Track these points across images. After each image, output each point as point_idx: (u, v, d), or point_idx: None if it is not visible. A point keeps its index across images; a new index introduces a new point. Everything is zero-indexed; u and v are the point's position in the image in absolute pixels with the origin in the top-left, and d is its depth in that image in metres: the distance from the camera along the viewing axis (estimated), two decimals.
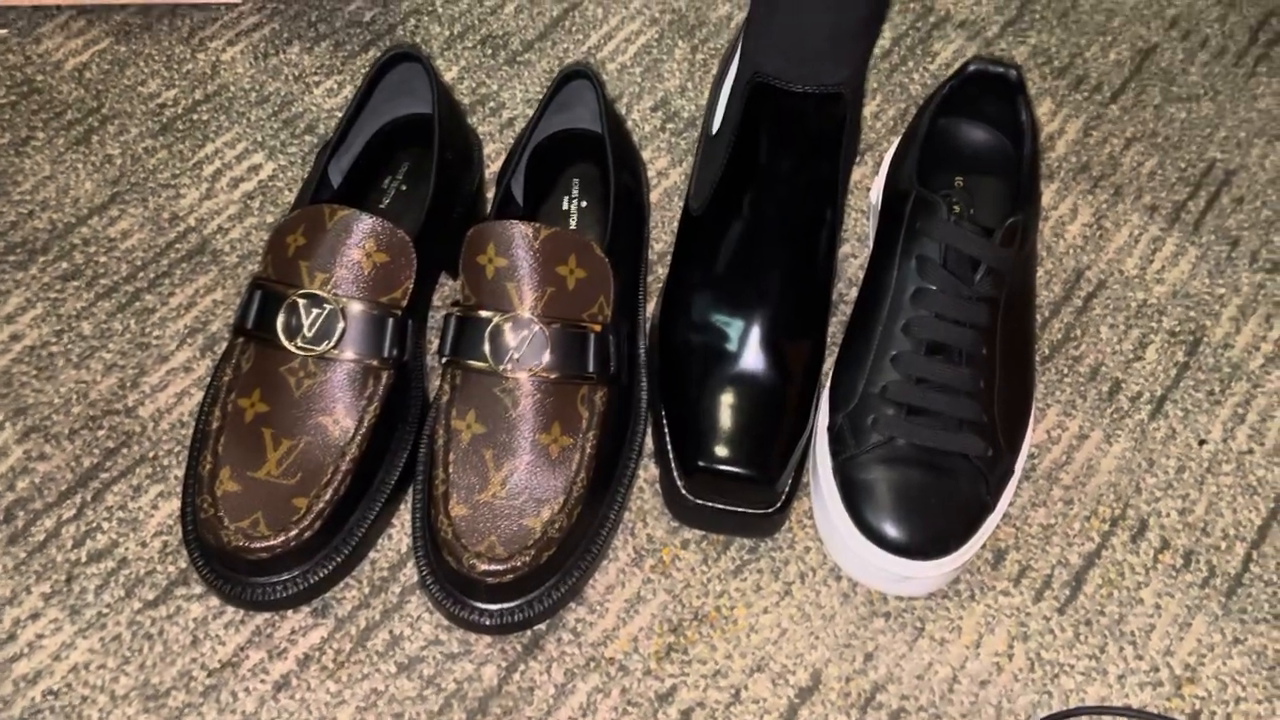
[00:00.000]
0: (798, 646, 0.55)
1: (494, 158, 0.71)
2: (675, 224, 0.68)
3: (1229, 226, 0.71)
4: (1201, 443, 0.62)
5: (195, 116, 0.72)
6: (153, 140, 0.71)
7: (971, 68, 0.62)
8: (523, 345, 0.53)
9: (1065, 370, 0.65)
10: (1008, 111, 0.63)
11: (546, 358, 0.53)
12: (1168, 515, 0.60)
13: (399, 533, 0.57)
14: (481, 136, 0.72)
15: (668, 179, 0.71)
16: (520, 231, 0.53)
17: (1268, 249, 0.70)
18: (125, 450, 0.59)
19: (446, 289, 0.65)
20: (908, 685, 0.54)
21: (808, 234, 0.56)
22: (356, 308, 0.53)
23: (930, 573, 0.54)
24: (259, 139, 0.71)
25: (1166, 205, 0.71)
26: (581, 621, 0.55)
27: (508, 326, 0.53)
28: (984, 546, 0.58)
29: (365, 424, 0.53)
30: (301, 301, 0.53)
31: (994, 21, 0.80)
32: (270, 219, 0.68)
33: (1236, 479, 0.61)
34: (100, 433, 0.59)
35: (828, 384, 0.59)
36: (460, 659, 0.54)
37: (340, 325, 0.53)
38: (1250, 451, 0.62)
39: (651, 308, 0.64)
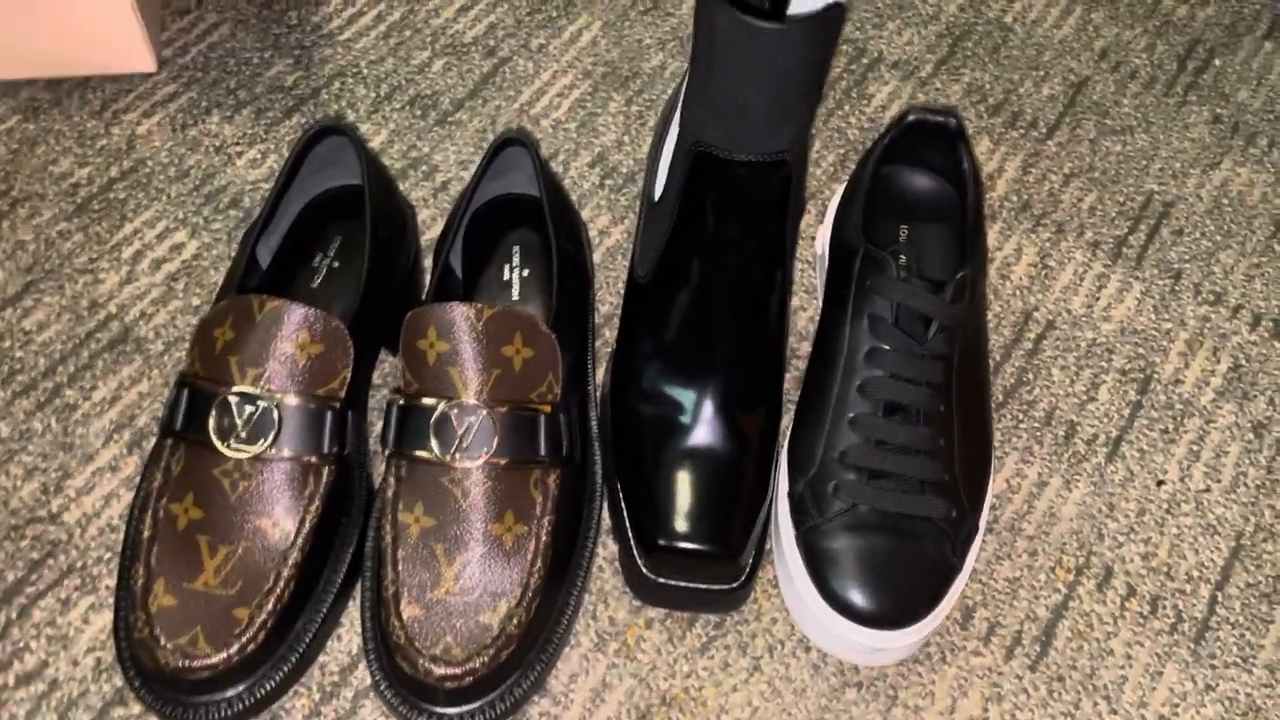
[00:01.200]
0: None
1: (429, 223, 0.69)
2: (620, 285, 0.67)
3: (1170, 259, 0.71)
4: (1159, 483, 0.62)
5: (112, 195, 0.69)
6: (67, 223, 0.67)
7: (910, 118, 0.61)
8: (470, 433, 0.51)
9: (1020, 415, 0.64)
10: (949, 159, 0.62)
11: (495, 444, 0.51)
12: (1131, 560, 0.59)
13: (348, 632, 0.54)
14: (415, 202, 0.70)
15: (609, 238, 0.69)
16: (462, 313, 0.51)
17: (1209, 281, 0.70)
18: (51, 561, 0.56)
19: (387, 365, 0.63)
20: None
21: (758, 298, 0.55)
22: (292, 403, 0.51)
23: (901, 642, 0.52)
24: (180, 216, 0.68)
25: (1108, 240, 0.71)
26: (546, 715, 0.53)
27: (454, 414, 0.51)
28: (952, 606, 0.57)
29: (307, 524, 0.51)
30: (233, 399, 0.50)
31: (927, 61, 0.79)
32: (196, 301, 0.65)
33: (1196, 519, 0.61)
34: (23, 543, 0.56)
35: (785, 444, 0.58)
36: None
37: (275, 423, 0.50)
38: (1208, 489, 0.62)
39: (600, 374, 0.62)
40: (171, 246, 0.67)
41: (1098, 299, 0.69)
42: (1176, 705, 0.55)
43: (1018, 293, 0.69)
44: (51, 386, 0.61)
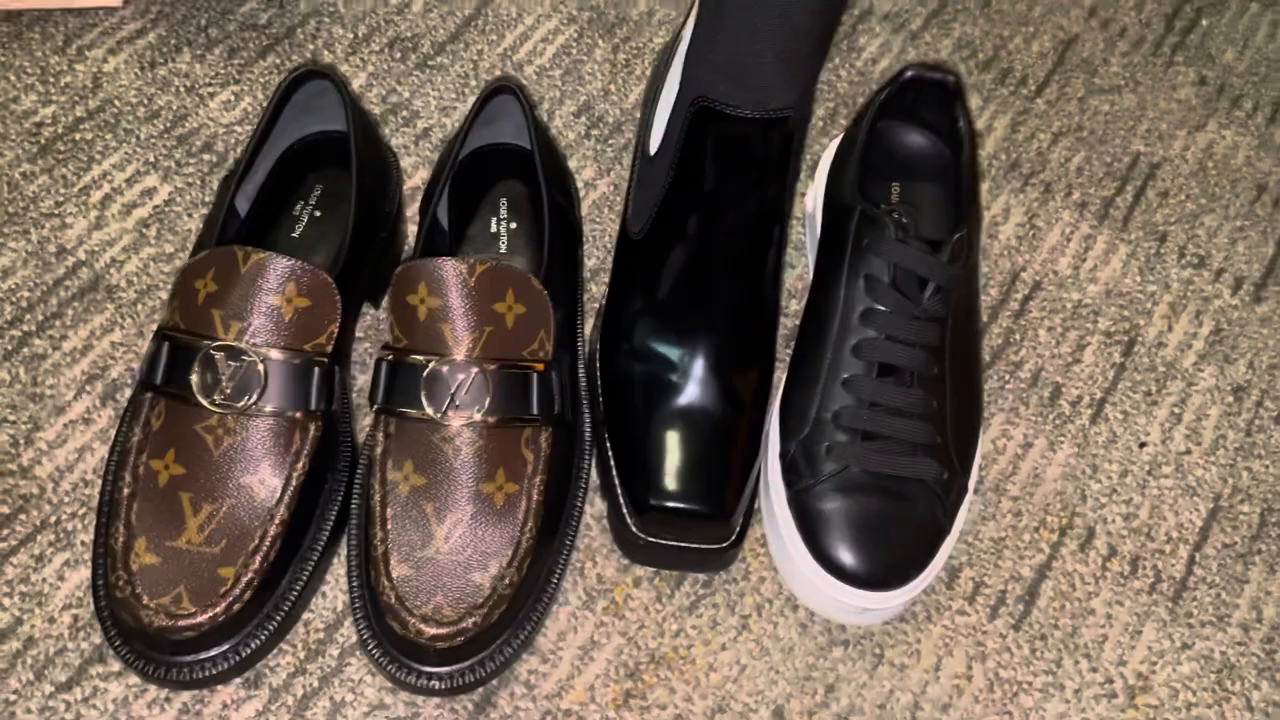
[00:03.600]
0: (758, 683, 0.53)
1: (410, 172, 0.67)
2: (607, 239, 0.66)
3: (1156, 222, 0.71)
4: (1141, 445, 0.62)
5: (78, 136, 0.66)
6: (30, 164, 0.65)
7: (908, 74, 0.60)
8: (461, 390, 0.50)
9: (1007, 377, 0.64)
10: (945, 118, 0.61)
11: (487, 402, 0.50)
12: (1113, 521, 0.60)
13: (332, 589, 0.53)
14: (396, 149, 0.67)
15: (596, 190, 0.68)
16: (453, 269, 0.50)
17: (1193, 243, 0.70)
18: (23, 516, 0.54)
19: (368, 318, 0.61)
20: (870, 716, 0.53)
21: (754, 258, 0.54)
22: (277, 357, 0.49)
23: (891, 603, 0.53)
24: (151, 159, 0.66)
25: (1095, 201, 0.71)
26: (534, 673, 0.53)
27: (444, 371, 0.50)
28: None
29: (294, 482, 0.49)
30: (217, 354, 0.49)
31: (917, 14, 0.78)
32: (169, 248, 0.62)
33: (1176, 480, 0.61)
34: None
35: (777, 405, 0.57)
36: None
37: (261, 378, 0.49)
38: (1188, 452, 0.62)
39: (588, 330, 0.61)
40: (142, 191, 0.64)
41: (1084, 260, 0.69)
42: (1155, 663, 0.56)
43: (1006, 252, 0.69)
44: (19, 335, 0.59)
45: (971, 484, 0.57)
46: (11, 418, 0.56)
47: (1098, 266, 0.69)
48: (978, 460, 0.58)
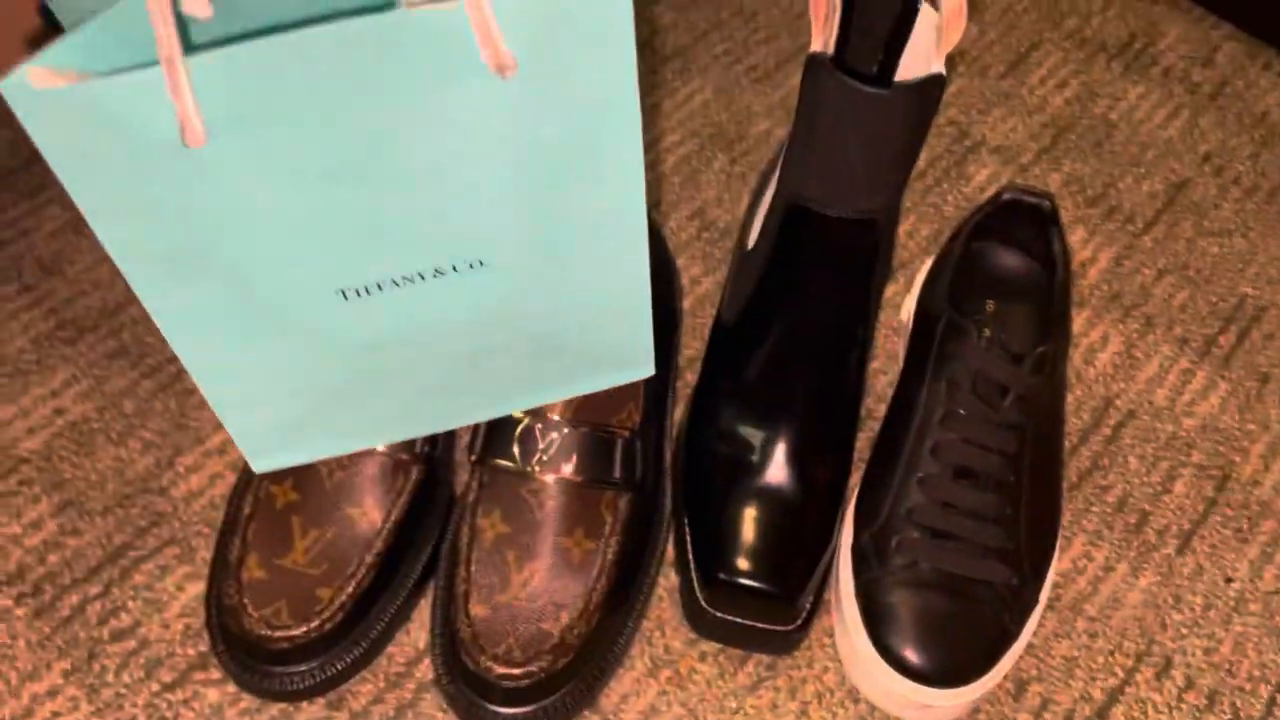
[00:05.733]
0: None
1: None
2: (706, 331, 0.70)
3: (1259, 363, 0.71)
4: (1228, 581, 0.61)
5: None
6: None
7: (1005, 196, 0.63)
8: (551, 447, 0.54)
9: (1093, 499, 0.64)
10: (1040, 240, 0.64)
11: (574, 461, 0.54)
12: (1193, 654, 0.59)
13: (418, 628, 0.57)
14: None
15: (700, 286, 0.72)
16: None
17: None
18: (155, 530, 0.60)
19: None
20: None
21: (838, 352, 0.57)
22: None
23: (950, 701, 0.53)
24: None
25: (1197, 338, 0.72)
26: None
27: (538, 428, 0.54)
28: (1006, 677, 0.57)
29: (393, 517, 0.54)
30: None
31: (1028, 149, 0.81)
32: None
33: (1263, 620, 0.60)
34: (133, 511, 0.60)
35: (853, 500, 0.59)
36: None
37: None
38: (1277, 592, 0.61)
39: (679, 414, 0.65)
40: None
41: (1181, 394, 0.69)
42: None
43: (1100, 379, 0.70)
44: (175, 371, 0.66)
45: (1044, 596, 0.57)
46: (159, 443, 0.63)
47: (1195, 401, 0.69)
48: (1052, 574, 0.58)
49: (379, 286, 0.43)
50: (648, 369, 0.53)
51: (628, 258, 0.46)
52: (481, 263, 0.44)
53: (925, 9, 0.51)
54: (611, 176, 0.43)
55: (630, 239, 0.46)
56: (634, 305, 0.49)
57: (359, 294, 0.43)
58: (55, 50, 0.36)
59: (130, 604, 0.57)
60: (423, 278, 0.43)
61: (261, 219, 0.40)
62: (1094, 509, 0.64)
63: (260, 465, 0.51)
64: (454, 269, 0.43)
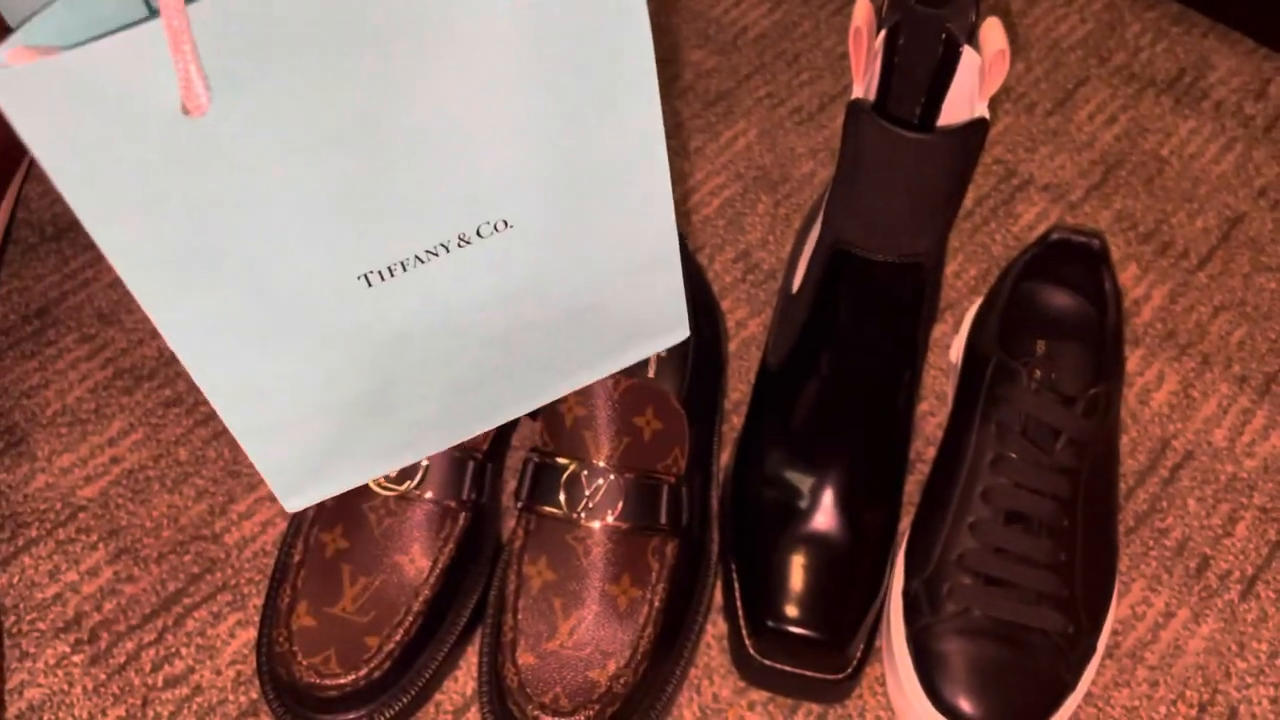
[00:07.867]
0: None
1: None
2: (752, 375, 0.69)
3: None
4: None
5: None
6: None
7: (1054, 236, 0.62)
8: (597, 494, 0.54)
9: (1151, 543, 0.63)
10: (1091, 279, 0.63)
11: (620, 508, 0.53)
12: (1259, 704, 0.57)
13: (465, 675, 0.57)
14: None
15: (746, 329, 0.72)
16: (601, 383, 0.55)
17: None
18: (209, 577, 0.61)
19: (525, 429, 0.67)
20: None
21: (885, 395, 0.56)
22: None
23: None
24: None
25: (1257, 376, 0.70)
26: None
27: (584, 475, 0.54)
28: None
29: (440, 565, 0.54)
30: None
31: (1078, 186, 0.81)
32: None
33: None
34: (186, 557, 0.61)
35: (904, 545, 0.58)
36: None
37: (423, 465, 0.54)
38: None
39: (725, 458, 0.64)
40: None
41: (1241, 433, 0.67)
42: None
43: (1156, 419, 0.68)
44: None
45: (1102, 644, 0.55)
46: (212, 490, 0.64)
47: (1256, 441, 0.67)
48: (1110, 622, 0.57)
49: (403, 266, 0.41)
50: (683, 330, 0.51)
51: (653, 207, 0.45)
52: (506, 223, 0.42)
53: (967, 52, 0.51)
54: (627, 104, 0.40)
55: (653, 185, 0.44)
56: (663, 258, 0.47)
57: (382, 277, 0.41)
58: (30, 28, 0.33)
59: (184, 650, 0.58)
60: (447, 249, 0.41)
61: (272, 199, 0.37)
62: (1152, 553, 0.62)
63: (293, 504, 0.50)
64: (479, 233, 0.41)
